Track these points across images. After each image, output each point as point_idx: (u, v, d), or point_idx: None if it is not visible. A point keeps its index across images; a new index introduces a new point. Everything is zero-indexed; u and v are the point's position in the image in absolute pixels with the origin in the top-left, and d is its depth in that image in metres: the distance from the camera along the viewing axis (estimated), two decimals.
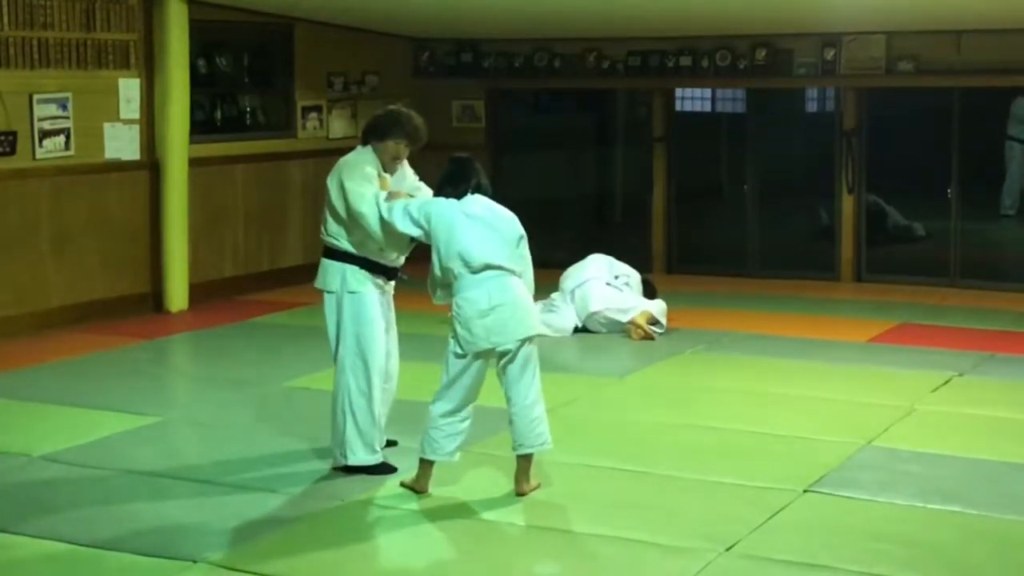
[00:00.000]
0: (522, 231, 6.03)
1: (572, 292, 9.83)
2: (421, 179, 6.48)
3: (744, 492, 6.09)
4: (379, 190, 6.18)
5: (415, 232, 6.03)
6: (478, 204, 5.98)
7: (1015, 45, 11.00)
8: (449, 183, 6.04)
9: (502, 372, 5.99)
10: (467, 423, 6.03)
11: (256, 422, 7.32)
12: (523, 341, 5.92)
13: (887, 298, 11.14)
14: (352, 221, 6.18)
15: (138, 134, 10.45)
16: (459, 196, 5.98)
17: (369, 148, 6.32)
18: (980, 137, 12.25)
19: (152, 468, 6.46)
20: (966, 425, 7.28)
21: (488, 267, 5.88)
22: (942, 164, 11.80)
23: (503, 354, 5.93)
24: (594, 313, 9.69)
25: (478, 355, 5.91)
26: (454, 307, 5.95)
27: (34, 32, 9.65)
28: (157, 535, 5.55)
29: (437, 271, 5.98)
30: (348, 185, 6.18)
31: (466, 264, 5.88)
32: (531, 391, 5.98)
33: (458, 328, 5.92)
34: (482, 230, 5.91)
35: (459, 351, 5.92)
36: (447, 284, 5.98)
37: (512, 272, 5.93)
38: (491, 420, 6.49)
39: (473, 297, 5.88)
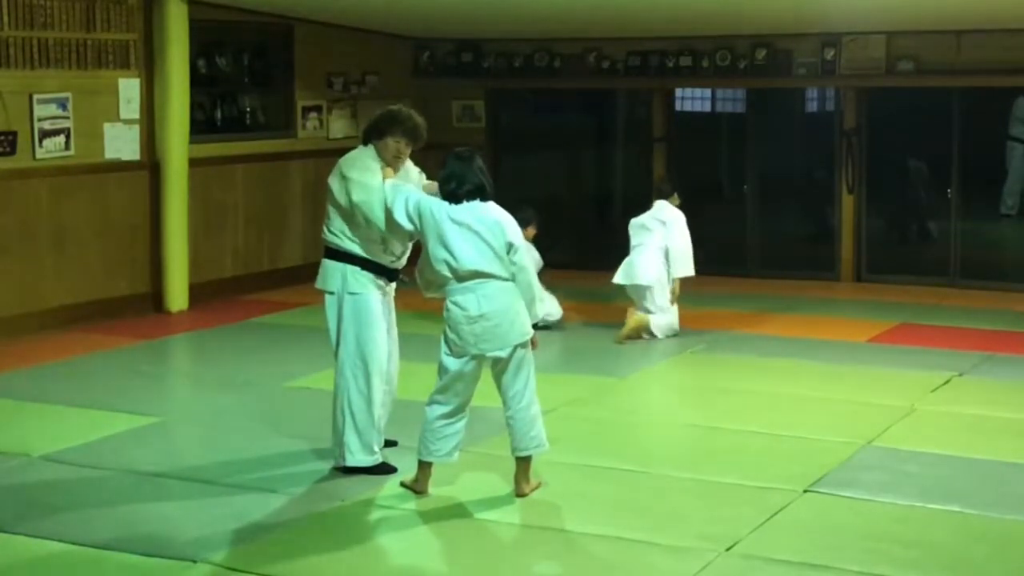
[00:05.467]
0: (513, 239, 5.88)
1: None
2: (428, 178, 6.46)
3: (744, 492, 6.09)
4: (382, 179, 6.16)
5: (407, 225, 5.99)
6: (466, 210, 5.88)
7: (1015, 45, 11.00)
8: (448, 183, 5.95)
9: (496, 377, 5.99)
10: (463, 423, 6.02)
11: (256, 422, 7.31)
12: (515, 347, 5.90)
13: (887, 298, 11.14)
14: (356, 214, 6.15)
15: (138, 134, 10.45)
16: (455, 199, 5.92)
17: (371, 147, 6.30)
18: (980, 137, 12.24)
19: (152, 468, 6.46)
20: (966, 425, 7.27)
21: (476, 274, 5.86)
22: (942, 164, 11.79)
23: (496, 360, 5.92)
24: (641, 285, 9.58)
25: (471, 358, 5.90)
26: (445, 310, 5.94)
27: (34, 32, 9.65)
28: (157, 535, 5.55)
29: (427, 268, 5.96)
30: (351, 176, 6.17)
31: (453, 271, 5.86)
32: (526, 395, 5.98)
33: (448, 331, 5.91)
34: (469, 237, 5.84)
35: (449, 352, 5.92)
36: (438, 284, 5.96)
37: (502, 278, 5.88)
38: (491, 420, 6.49)
39: (462, 303, 5.86)
